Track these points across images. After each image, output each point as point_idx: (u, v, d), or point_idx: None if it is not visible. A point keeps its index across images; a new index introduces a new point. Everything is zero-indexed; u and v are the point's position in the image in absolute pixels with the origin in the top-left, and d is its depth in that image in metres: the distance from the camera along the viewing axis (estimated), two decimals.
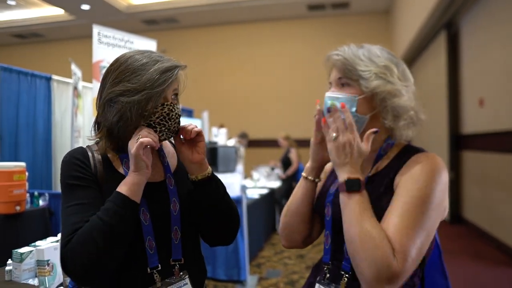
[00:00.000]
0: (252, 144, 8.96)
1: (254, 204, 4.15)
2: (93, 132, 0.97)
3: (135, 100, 0.87)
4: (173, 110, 0.92)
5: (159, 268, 0.91)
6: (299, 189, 1.07)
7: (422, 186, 0.84)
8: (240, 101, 10.60)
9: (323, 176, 1.16)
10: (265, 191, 4.96)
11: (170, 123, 0.92)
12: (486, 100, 4.72)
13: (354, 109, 0.95)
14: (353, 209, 0.83)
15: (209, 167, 0.99)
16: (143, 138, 0.86)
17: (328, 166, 1.19)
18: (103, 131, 0.93)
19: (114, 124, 0.90)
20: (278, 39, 10.38)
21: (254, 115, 10.45)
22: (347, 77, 0.97)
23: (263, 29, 10.47)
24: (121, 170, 0.95)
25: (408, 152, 0.95)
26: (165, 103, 0.91)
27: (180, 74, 0.94)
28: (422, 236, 0.81)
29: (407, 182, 0.86)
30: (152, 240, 0.91)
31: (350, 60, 0.96)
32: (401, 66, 0.98)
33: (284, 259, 4.17)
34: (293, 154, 5.74)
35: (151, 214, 0.92)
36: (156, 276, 0.91)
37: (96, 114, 0.99)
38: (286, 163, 5.82)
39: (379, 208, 0.88)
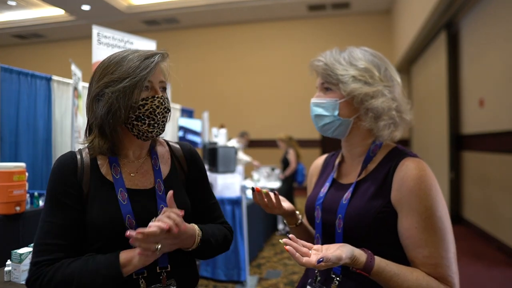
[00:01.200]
0: (253, 144, 8.95)
1: (254, 205, 4.15)
2: (85, 138, 0.97)
3: (120, 88, 0.88)
4: (163, 103, 0.93)
5: (145, 274, 0.90)
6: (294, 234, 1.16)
7: (424, 198, 0.87)
8: (241, 101, 10.60)
9: (314, 179, 1.19)
10: None
11: (159, 117, 0.92)
12: (486, 100, 4.72)
13: (336, 113, 0.98)
14: (380, 282, 0.85)
15: (196, 232, 0.93)
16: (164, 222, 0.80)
17: (317, 168, 1.19)
18: (95, 132, 0.93)
19: (104, 118, 0.89)
20: (278, 39, 10.37)
21: (255, 115, 10.45)
22: (328, 81, 1.00)
23: (264, 30, 10.47)
24: (109, 176, 0.93)
25: (395, 156, 0.96)
26: (156, 96, 0.92)
27: (163, 64, 0.95)
28: (450, 245, 0.88)
29: (411, 202, 0.88)
30: None
31: (330, 65, 0.99)
32: (384, 67, 0.99)
33: (284, 259, 4.17)
34: (291, 155, 5.71)
35: (138, 221, 0.90)
36: (142, 282, 0.89)
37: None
38: (285, 164, 5.80)
39: (372, 211, 0.91)
